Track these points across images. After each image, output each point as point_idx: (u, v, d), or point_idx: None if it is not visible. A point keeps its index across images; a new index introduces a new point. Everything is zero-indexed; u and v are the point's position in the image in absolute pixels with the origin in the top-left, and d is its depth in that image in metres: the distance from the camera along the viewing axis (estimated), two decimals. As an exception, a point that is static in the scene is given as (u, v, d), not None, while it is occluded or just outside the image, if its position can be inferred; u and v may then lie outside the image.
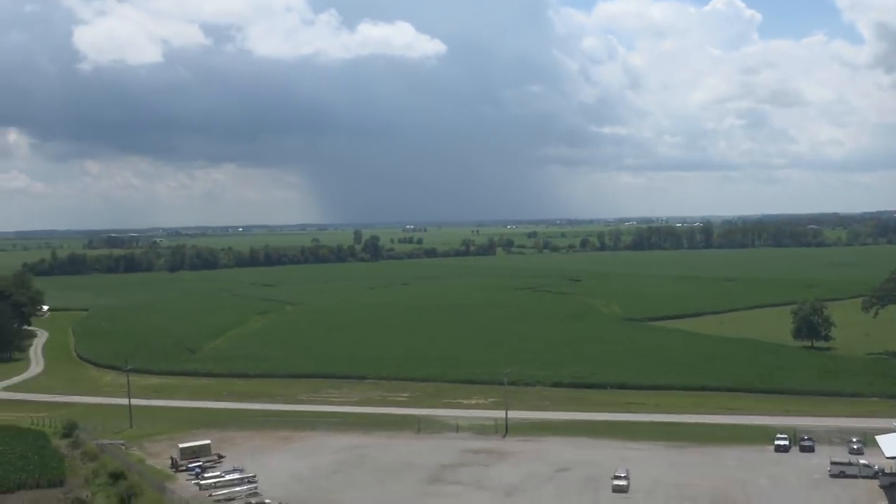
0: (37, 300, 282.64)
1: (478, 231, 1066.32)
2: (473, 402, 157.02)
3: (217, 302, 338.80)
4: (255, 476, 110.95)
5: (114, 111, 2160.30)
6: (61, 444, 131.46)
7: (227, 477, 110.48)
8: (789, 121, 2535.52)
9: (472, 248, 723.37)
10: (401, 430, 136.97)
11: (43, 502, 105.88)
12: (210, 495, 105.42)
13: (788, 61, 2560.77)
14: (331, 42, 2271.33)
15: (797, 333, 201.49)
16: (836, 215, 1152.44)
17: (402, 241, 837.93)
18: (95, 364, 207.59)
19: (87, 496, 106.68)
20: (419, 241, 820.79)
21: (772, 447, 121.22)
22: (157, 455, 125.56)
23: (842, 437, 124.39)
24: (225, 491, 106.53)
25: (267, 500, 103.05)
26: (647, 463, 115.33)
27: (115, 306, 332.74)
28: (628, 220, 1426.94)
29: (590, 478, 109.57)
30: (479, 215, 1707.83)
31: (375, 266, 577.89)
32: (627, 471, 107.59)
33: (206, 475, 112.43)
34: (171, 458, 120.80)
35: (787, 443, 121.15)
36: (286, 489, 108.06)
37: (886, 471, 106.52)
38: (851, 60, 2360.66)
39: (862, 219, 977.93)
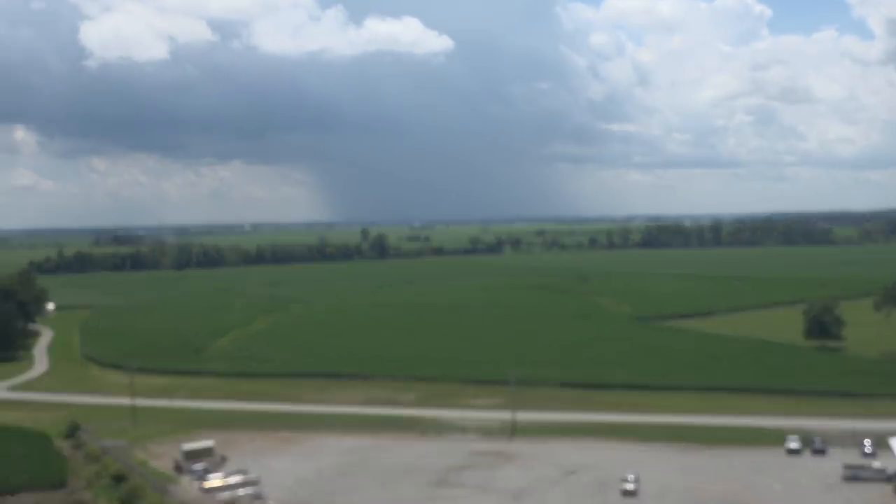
0: (41, 299, 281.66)
1: (486, 229, 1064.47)
2: (480, 402, 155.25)
3: (223, 301, 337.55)
4: (258, 478, 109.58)
5: (121, 108, 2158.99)
6: (64, 446, 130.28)
7: (230, 480, 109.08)
8: (799, 117, 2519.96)
9: (479, 247, 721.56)
10: (406, 432, 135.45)
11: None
12: (214, 498, 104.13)
13: (798, 57, 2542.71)
14: (337, 38, 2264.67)
15: (808, 333, 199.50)
16: (846, 213, 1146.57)
17: (409, 238, 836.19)
18: (100, 363, 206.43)
19: (89, 499, 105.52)
20: (426, 239, 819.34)
21: (783, 450, 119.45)
22: (161, 456, 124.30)
23: (854, 439, 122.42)
24: (228, 494, 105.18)
25: (270, 503, 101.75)
26: (656, 466, 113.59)
27: (121, 305, 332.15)
28: (637, 217, 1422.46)
29: (598, 481, 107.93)
30: (486, 213, 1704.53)
31: (382, 265, 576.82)
32: (637, 474, 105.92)
33: (208, 478, 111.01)
34: (174, 460, 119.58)
35: (798, 445, 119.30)
36: (289, 492, 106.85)
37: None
38: (862, 56, 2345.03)
39: (873, 217, 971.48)
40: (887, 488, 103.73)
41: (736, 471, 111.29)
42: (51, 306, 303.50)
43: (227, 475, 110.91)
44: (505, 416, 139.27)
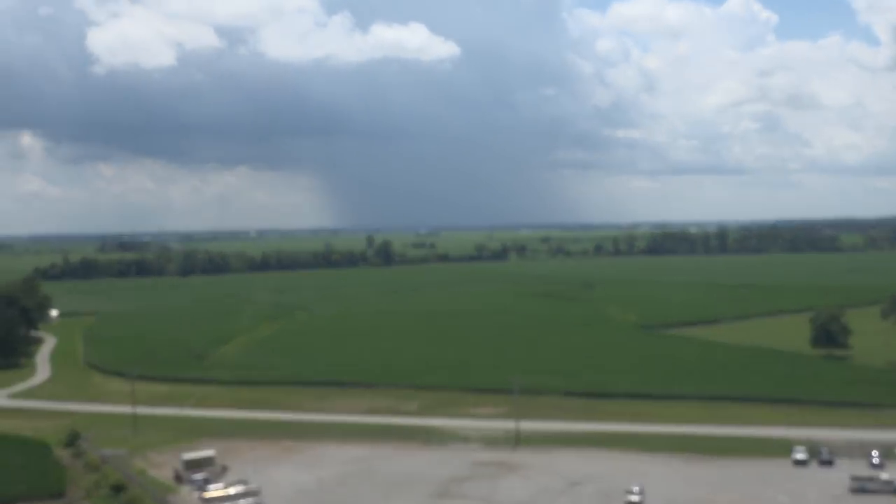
0: (45, 305, 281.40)
1: (491, 236, 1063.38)
2: (483, 411, 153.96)
3: (227, 307, 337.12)
4: (259, 488, 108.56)
5: (127, 114, 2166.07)
6: (64, 454, 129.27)
7: (231, 490, 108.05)
8: (805, 124, 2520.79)
9: (484, 254, 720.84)
10: (408, 441, 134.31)
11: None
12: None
13: (804, 63, 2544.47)
14: (344, 45, 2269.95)
15: (815, 341, 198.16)
16: (852, 220, 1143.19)
17: (414, 245, 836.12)
18: (102, 371, 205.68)
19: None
20: (432, 246, 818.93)
21: (789, 461, 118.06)
22: (161, 466, 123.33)
23: (861, 450, 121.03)
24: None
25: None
26: (661, 477, 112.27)
27: (125, 311, 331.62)
28: (642, 224, 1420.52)
29: (603, 493, 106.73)
30: (492, 219, 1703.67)
31: (387, 271, 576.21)
32: (642, 486, 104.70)
33: (209, 488, 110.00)
34: (174, 470, 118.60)
35: (805, 456, 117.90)
36: (290, 502, 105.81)
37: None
38: (868, 63, 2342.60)
39: (879, 224, 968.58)
40: (895, 501, 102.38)
41: (742, 482, 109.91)
42: (54, 313, 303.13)
43: (228, 485, 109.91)
44: (508, 425, 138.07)
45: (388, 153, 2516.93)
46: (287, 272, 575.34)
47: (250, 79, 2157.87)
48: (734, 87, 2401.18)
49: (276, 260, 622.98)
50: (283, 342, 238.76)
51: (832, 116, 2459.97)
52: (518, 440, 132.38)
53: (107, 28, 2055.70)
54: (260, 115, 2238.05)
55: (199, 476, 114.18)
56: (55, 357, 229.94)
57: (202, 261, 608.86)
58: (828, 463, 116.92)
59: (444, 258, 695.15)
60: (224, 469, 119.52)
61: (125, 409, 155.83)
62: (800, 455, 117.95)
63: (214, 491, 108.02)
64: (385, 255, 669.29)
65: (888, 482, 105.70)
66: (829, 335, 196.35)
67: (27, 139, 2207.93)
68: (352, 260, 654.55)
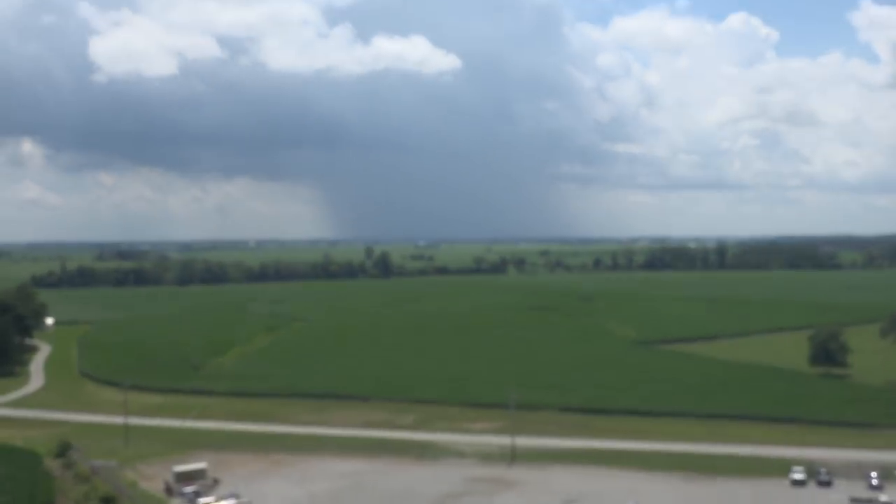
0: (40, 313, 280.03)
1: (490, 249, 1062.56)
2: (479, 426, 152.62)
3: (224, 317, 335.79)
4: (250, 502, 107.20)
5: (128, 123, 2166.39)
6: (54, 465, 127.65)
7: (222, 503, 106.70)
8: (804, 141, 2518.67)
9: (483, 266, 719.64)
10: (403, 456, 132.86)
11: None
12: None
13: (804, 80, 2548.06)
14: (345, 56, 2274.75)
15: (813, 359, 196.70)
16: (851, 237, 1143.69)
17: (413, 257, 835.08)
18: (96, 380, 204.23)
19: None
20: (430, 258, 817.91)
21: (787, 480, 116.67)
22: (151, 478, 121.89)
23: (860, 470, 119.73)
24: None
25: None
26: (658, 496, 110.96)
27: (122, 320, 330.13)
28: (641, 239, 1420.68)
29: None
30: (491, 232, 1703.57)
31: (386, 283, 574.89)
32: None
33: (199, 501, 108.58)
34: (165, 482, 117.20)
35: (803, 476, 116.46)
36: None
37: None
38: (868, 80, 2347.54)
39: (878, 241, 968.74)
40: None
41: (739, 502, 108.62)
42: (50, 321, 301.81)
43: (219, 498, 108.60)
44: (504, 440, 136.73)
45: (388, 165, 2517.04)
46: (285, 283, 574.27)
47: (251, 89, 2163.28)
48: (734, 102, 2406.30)
49: (275, 270, 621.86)
50: (279, 353, 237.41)
51: (832, 133, 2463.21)
52: (514, 456, 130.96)
53: (109, 37, 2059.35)
54: (261, 126, 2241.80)
55: (189, 489, 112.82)
56: (49, 365, 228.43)
57: (200, 270, 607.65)
58: (826, 484, 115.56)
59: (442, 271, 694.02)
60: (215, 482, 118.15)
61: (118, 419, 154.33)
62: (798, 475, 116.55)
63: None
64: (384, 267, 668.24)
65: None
66: (827, 353, 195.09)
67: (27, 146, 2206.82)
68: (350, 271, 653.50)
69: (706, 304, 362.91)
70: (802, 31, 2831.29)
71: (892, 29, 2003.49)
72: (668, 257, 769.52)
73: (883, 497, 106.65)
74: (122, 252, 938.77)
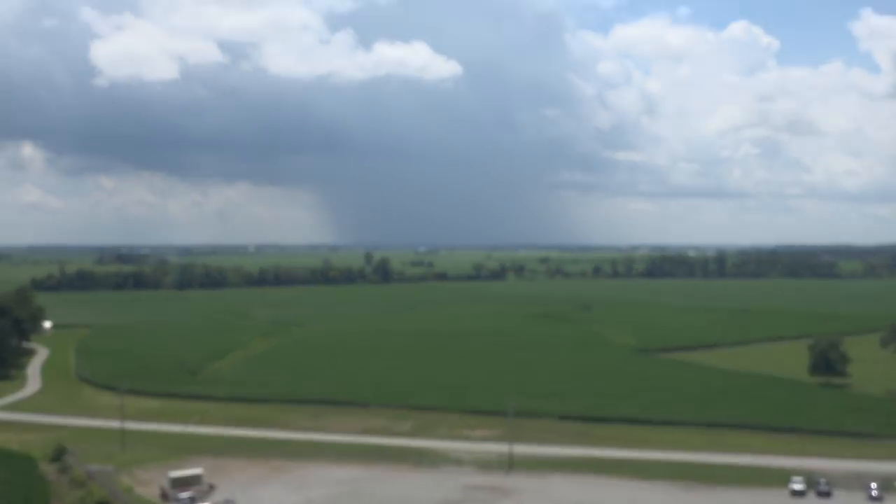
0: (38, 316, 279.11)
1: (489, 255, 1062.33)
2: (477, 433, 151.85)
3: (223, 322, 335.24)
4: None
5: (129, 127, 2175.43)
6: (49, 469, 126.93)
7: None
8: (805, 150, 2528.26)
9: (483, 273, 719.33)
10: (400, 463, 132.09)
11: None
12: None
13: (805, 89, 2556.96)
14: (346, 62, 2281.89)
15: (813, 369, 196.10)
16: (850, 247, 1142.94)
17: (413, 263, 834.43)
18: (93, 384, 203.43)
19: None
20: (430, 265, 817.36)
21: (787, 491, 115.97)
22: (147, 483, 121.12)
23: (860, 481, 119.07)
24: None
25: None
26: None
27: (120, 324, 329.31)
28: (641, 246, 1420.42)
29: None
30: (491, 239, 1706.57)
31: (385, 289, 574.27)
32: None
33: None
34: (161, 488, 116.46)
35: (802, 487, 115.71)
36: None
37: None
38: (869, 90, 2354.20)
39: (878, 251, 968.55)
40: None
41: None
42: (48, 324, 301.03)
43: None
44: (502, 448, 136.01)
45: (388, 170, 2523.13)
46: (284, 288, 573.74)
47: (252, 94, 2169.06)
48: (735, 111, 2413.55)
49: (274, 275, 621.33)
50: (278, 359, 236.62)
51: (832, 142, 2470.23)
52: (512, 464, 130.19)
53: (110, 41, 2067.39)
54: (261, 131, 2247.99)
55: (185, 494, 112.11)
56: (46, 369, 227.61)
57: (199, 275, 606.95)
58: (826, 494, 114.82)
59: (442, 277, 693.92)
60: (211, 488, 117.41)
61: (115, 423, 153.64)
62: (797, 485, 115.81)
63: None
64: (383, 273, 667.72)
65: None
66: (827, 363, 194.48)
67: (28, 150, 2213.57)
68: (350, 277, 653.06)
69: (706, 313, 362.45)
70: (803, 40, 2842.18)
71: (893, 39, 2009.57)
72: (668, 265, 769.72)
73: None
74: (122, 256, 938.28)
